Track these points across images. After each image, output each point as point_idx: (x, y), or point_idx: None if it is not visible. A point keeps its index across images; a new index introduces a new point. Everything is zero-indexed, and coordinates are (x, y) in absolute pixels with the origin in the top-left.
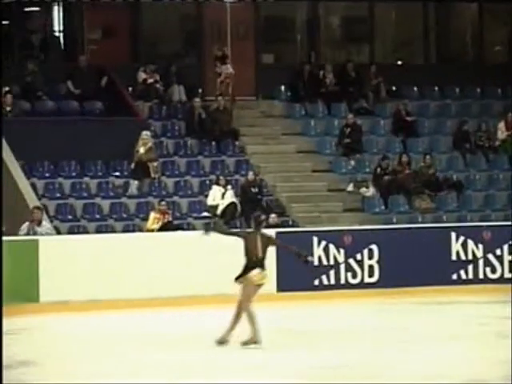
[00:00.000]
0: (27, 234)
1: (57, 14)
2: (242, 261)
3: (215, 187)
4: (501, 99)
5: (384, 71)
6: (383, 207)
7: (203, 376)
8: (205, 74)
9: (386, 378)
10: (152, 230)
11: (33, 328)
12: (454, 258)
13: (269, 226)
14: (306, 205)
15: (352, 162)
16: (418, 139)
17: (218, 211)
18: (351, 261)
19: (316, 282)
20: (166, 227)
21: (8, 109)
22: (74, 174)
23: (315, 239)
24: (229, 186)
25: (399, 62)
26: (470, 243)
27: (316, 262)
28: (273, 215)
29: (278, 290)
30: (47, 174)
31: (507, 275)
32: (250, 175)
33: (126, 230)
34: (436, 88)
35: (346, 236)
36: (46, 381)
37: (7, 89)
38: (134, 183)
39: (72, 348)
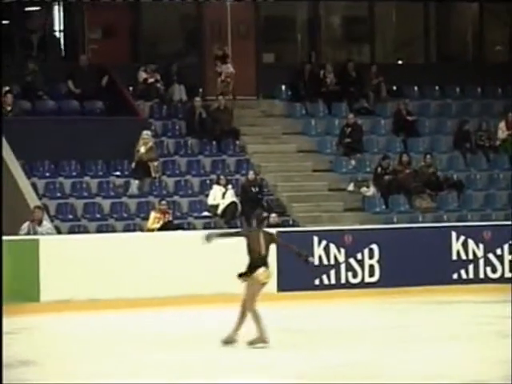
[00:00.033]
0: (28, 233)
1: (57, 13)
2: (242, 260)
3: (216, 187)
4: (501, 99)
5: (384, 71)
6: (384, 207)
7: (203, 376)
8: (205, 73)
9: (386, 377)
10: (152, 230)
11: (33, 327)
12: (454, 257)
13: (269, 226)
14: (306, 204)
15: (353, 162)
16: (419, 139)
17: (219, 211)
18: (352, 260)
19: (316, 282)
20: (166, 227)
21: (8, 108)
22: (74, 173)
23: (316, 239)
24: (229, 186)
25: (400, 62)
26: (471, 243)
27: (316, 262)
28: (273, 215)
29: (278, 289)
30: (48, 174)
31: (507, 275)
32: (251, 175)
33: (126, 230)
34: (436, 88)
35: (346, 236)
36: (46, 380)
37: (7, 88)
38: (135, 183)
39: (72, 348)
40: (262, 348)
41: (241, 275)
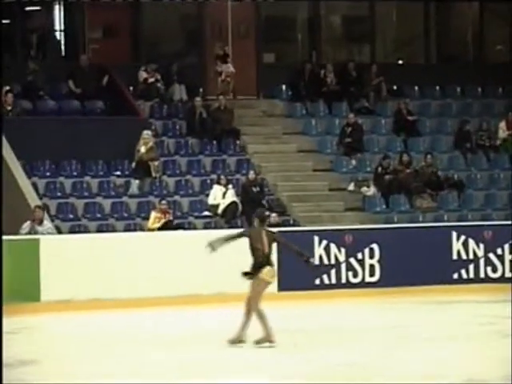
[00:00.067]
0: (28, 233)
1: (58, 13)
2: (242, 260)
3: (216, 186)
4: (502, 98)
5: (385, 70)
6: (384, 206)
7: (203, 376)
8: (206, 73)
9: (386, 377)
10: (153, 230)
11: (33, 327)
12: (454, 257)
13: (270, 226)
14: (306, 204)
15: (353, 162)
16: (419, 138)
17: (219, 210)
18: (352, 260)
19: (317, 282)
20: (166, 226)
21: (9, 108)
22: (75, 173)
23: (316, 238)
24: (230, 186)
25: (400, 62)
26: (471, 242)
27: (317, 262)
28: (274, 214)
29: (279, 289)
30: (48, 174)
31: (508, 274)
32: (251, 174)
33: (127, 230)
34: (437, 87)
35: (346, 235)
36: (45, 380)
37: (8, 88)
38: (135, 182)
39: (72, 347)
40: (262, 348)
41: (246, 274)
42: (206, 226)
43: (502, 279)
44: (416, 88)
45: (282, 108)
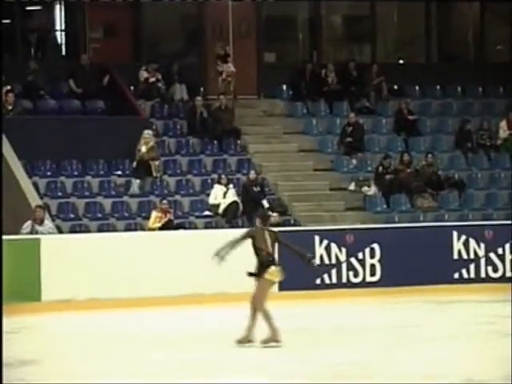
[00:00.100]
0: (29, 232)
1: (58, 12)
2: (242, 259)
3: (217, 186)
4: (502, 98)
5: (386, 70)
6: (385, 206)
7: (203, 376)
8: (206, 72)
9: (387, 377)
10: (154, 229)
11: (34, 327)
12: (455, 256)
13: (270, 225)
14: (307, 204)
15: (354, 161)
16: (420, 138)
17: (220, 210)
18: (353, 260)
19: (318, 281)
20: (166, 226)
21: (10, 108)
22: (75, 172)
23: (317, 238)
24: (230, 185)
25: (401, 61)
26: (472, 242)
27: (318, 261)
28: (274, 214)
29: (279, 289)
30: (49, 173)
31: (509, 274)
32: (252, 174)
33: (127, 229)
34: (438, 87)
35: (347, 235)
36: (45, 380)
37: (9, 87)
38: (136, 182)
39: (72, 347)
40: (263, 348)
41: (251, 275)
42: (207, 226)
43: (503, 279)
44: (417, 88)
45: (282, 108)
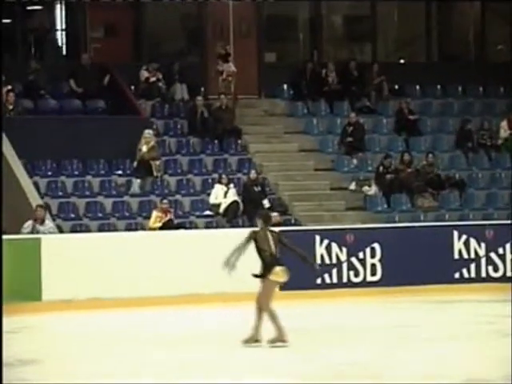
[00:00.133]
0: (30, 232)
1: (59, 12)
2: (243, 259)
3: (217, 186)
4: (503, 98)
5: (386, 70)
6: (386, 206)
7: (203, 376)
8: (207, 72)
9: (387, 377)
10: (154, 229)
11: (34, 327)
12: (456, 256)
13: (271, 225)
14: (308, 203)
15: (354, 161)
16: (421, 138)
17: (221, 210)
18: (353, 259)
19: (318, 281)
20: (167, 226)
21: (10, 107)
22: (76, 172)
23: (317, 238)
24: (231, 185)
25: (401, 61)
26: (473, 242)
27: (318, 261)
28: (275, 214)
29: (280, 288)
30: (50, 173)
31: (509, 274)
32: (253, 174)
33: (128, 229)
34: (438, 86)
35: (348, 234)
36: (45, 380)
37: (10, 87)
38: (137, 182)
39: (72, 347)
40: (263, 348)
41: (256, 276)
42: (208, 226)
43: (504, 278)
44: (417, 87)
45: (283, 107)
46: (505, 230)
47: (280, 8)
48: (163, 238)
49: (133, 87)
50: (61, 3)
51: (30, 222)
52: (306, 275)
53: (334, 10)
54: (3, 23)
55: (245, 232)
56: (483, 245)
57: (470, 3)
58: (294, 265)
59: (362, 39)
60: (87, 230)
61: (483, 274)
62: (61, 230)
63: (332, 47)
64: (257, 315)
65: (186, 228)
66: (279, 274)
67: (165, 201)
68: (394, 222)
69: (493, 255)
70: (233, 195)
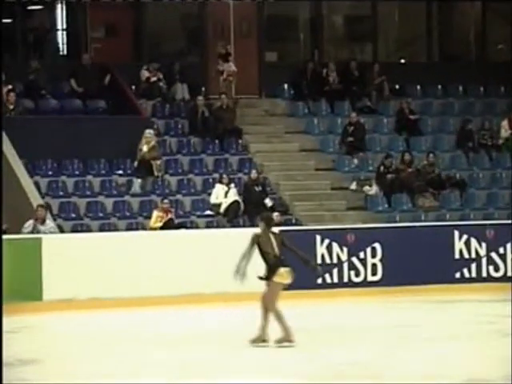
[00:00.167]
0: (31, 232)
1: (60, 12)
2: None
3: (218, 185)
4: (504, 97)
5: (387, 70)
6: (386, 205)
7: (203, 376)
8: (208, 72)
9: (387, 377)
10: (155, 229)
11: (35, 326)
12: (457, 256)
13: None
14: (309, 203)
15: (355, 161)
16: (421, 138)
17: (221, 209)
18: (354, 259)
19: (319, 281)
20: (168, 225)
21: (11, 107)
22: (77, 172)
23: (318, 238)
24: (232, 185)
25: (402, 61)
26: (473, 242)
27: (319, 261)
28: (276, 213)
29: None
30: (50, 173)
31: (510, 273)
32: (253, 173)
33: (129, 229)
34: (439, 86)
35: (349, 234)
36: (45, 380)
37: (10, 87)
38: (137, 181)
39: (73, 347)
40: (264, 348)
41: (262, 279)
42: (208, 225)
43: (504, 278)
44: (418, 87)
45: (284, 107)
46: (505, 230)
47: (281, 8)
48: (164, 238)
49: (133, 87)
50: (61, 3)
51: (30, 222)
52: (306, 275)
53: (334, 10)
54: (3, 23)
55: (245, 232)
56: (484, 245)
57: (471, 3)
58: (294, 265)
59: (362, 39)
60: (88, 229)
61: (484, 274)
62: (61, 230)
63: (333, 47)
64: (263, 316)
65: (186, 228)
66: (284, 275)
67: (165, 201)
68: (395, 221)
69: (493, 255)
70: (233, 195)
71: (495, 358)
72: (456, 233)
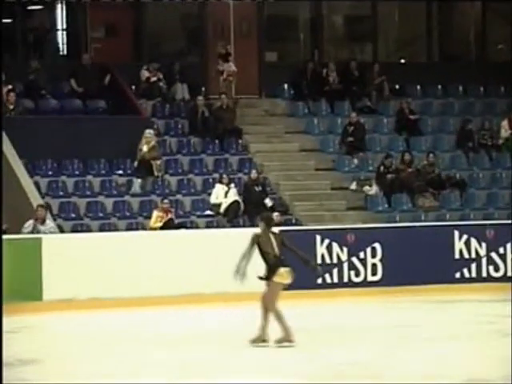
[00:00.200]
0: (31, 232)
1: (60, 12)
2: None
3: (218, 185)
4: (504, 97)
5: (387, 70)
6: (386, 206)
7: (203, 376)
8: (208, 72)
9: (387, 377)
10: (155, 229)
11: (35, 326)
12: (457, 256)
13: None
14: (309, 203)
15: (355, 161)
16: (421, 138)
17: (221, 209)
18: (354, 259)
19: (319, 281)
20: (167, 225)
21: (11, 107)
22: (77, 172)
23: (318, 238)
24: (232, 185)
25: (402, 61)
26: (473, 242)
27: (319, 261)
28: (276, 213)
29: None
30: (50, 173)
31: (510, 273)
32: (253, 173)
33: (129, 229)
34: (439, 86)
35: (349, 234)
36: (45, 380)
37: (10, 87)
38: (138, 181)
39: (73, 347)
40: (264, 348)
41: (262, 279)
42: (208, 225)
43: (504, 278)
44: (418, 87)
45: (284, 107)
46: (505, 230)
47: (281, 8)
48: (164, 238)
49: (133, 87)
50: (61, 3)
51: (30, 222)
52: (306, 275)
53: (334, 10)
54: (3, 23)
55: (245, 232)
56: (484, 244)
57: (471, 3)
58: (294, 265)
59: (362, 39)
60: (88, 229)
61: (484, 274)
62: (61, 230)
63: (333, 47)
64: (263, 316)
65: (186, 228)
66: (284, 275)
67: (165, 200)
68: (395, 221)
69: (493, 255)
70: (233, 195)
71: (495, 358)
72: (456, 233)
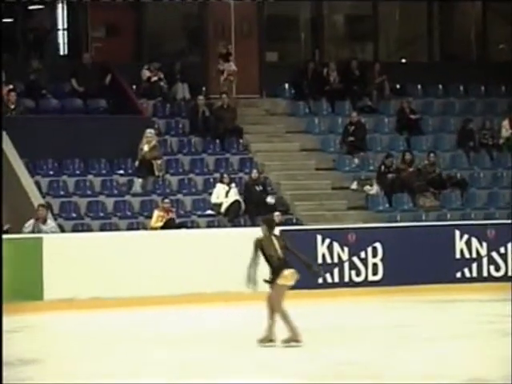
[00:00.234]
0: (32, 231)
1: (60, 12)
2: (244, 259)
3: (219, 185)
4: (505, 97)
5: (388, 69)
6: (387, 205)
7: (203, 376)
8: (208, 72)
9: (388, 377)
10: (156, 228)
11: (36, 326)
12: (457, 256)
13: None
14: (309, 203)
15: (356, 160)
16: (422, 137)
17: (222, 209)
18: (355, 259)
19: (320, 280)
20: (168, 225)
21: (12, 107)
22: (77, 171)
23: (319, 237)
24: (233, 184)
25: (403, 60)
26: (474, 241)
27: (320, 261)
28: (277, 213)
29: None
30: (51, 172)
31: (511, 273)
32: (254, 173)
33: (129, 228)
34: (440, 86)
35: (350, 234)
36: (47, 380)
37: (11, 86)
38: (138, 181)
39: (73, 347)
40: (264, 347)
41: (266, 282)
42: (209, 225)
43: (505, 278)
44: (419, 87)
45: (284, 107)
46: (506, 230)
47: (281, 8)
48: (165, 238)
49: (134, 87)
50: (62, 3)
51: (31, 222)
52: (307, 275)
53: (335, 10)
54: (4, 23)
55: (246, 231)
56: (485, 244)
57: (472, 3)
58: (295, 264)
59: (363, 39)
60: (89, 229)
61: (485, 274)
62: (62, 230)
63: (333, 47)
64: (269, 316)
65: (187, 227)
66: (288, 277)
67: (166, 200)
68: (396, 221)
69: (494, 255)
70: (234, 195)
71: (495, 358)
72: (457, 232)
